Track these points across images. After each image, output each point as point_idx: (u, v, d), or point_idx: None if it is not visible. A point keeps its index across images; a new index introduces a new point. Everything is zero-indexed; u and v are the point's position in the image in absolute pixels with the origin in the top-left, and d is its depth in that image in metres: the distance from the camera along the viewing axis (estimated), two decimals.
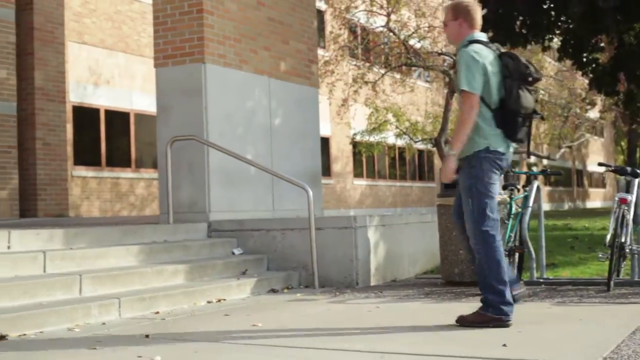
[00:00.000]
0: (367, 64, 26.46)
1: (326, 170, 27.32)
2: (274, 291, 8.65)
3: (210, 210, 10.11)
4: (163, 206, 10.26)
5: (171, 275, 7.98)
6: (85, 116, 18.50)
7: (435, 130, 27.88)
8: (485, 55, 5.93)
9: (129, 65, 19.78)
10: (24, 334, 5.85)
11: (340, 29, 25.57)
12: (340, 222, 9.37)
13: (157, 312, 7.02)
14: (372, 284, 9.31)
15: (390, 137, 29.29)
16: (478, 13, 6.14)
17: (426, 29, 25.58)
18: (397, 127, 28.14)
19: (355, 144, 29.59)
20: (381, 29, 25.43)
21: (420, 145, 31.16)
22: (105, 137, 19.06)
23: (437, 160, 34.04)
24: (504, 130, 5.91)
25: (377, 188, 32.34)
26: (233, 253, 9.54)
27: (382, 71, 25.96)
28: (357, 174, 31.04)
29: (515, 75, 5.90)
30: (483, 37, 6.10)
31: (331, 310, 7.26)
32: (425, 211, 25.47)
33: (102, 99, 19.00)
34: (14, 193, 14.63)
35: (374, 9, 24.87)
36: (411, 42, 25.36)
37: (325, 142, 27.64)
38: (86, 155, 18.47)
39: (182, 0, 10.37)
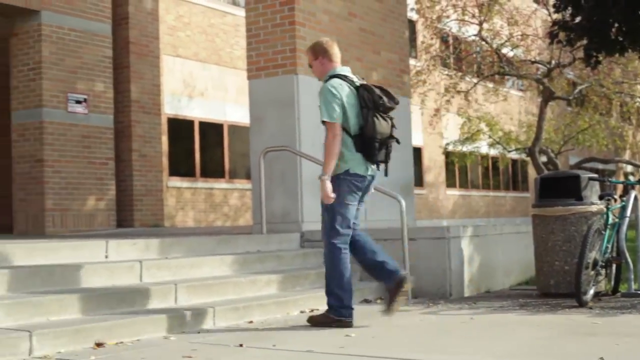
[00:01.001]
0: (459, 74, 26.26)
1: (418, 181, 27.20)
2: (366, 301, 8.63)
3: (303, 221, 10.15)
4: (256, 216, 10.34)
5: (264, 285, 8.03)
6: (179, 128, 18.77)
7: (529, 139, 27.51)
8: (343, 88, 6.65)
9: (222, 77, 20.02)
10: (121, 342, 5.95)
11: (431, 38, 25.45)
12: (433, 232, 9.31)
13: (251, 322, 7.07)
14: (465, 295, 9.23)
15: (483, 146, 29.01)
16: (335, 49, 6.90)
17: (519, 37, 25.30)
18: (490, 137, 27.85)
19: (447, 154, 29.38)
20: (473, 37, 25.22)
21: (513, 155, 30.78)
22: (199, 149, 19.31)
23: (531, 170, 33.57)
24: (363, 154, 6.67)
25: (470, 198, 32.06)
26: None
27: (475, 80, 25.73)
28: (450, 184, 30.81)
29: (370, 105, 6.61)
30: (344, 70, 6.85)
31: (424, 321, 7.21)
32: (519, 221, 25.14)
33: (196, 111, 19.26)
34: (111, 204, 14.93)
35: (466, 18, 24.68)
36: (504, 50, 25.10)
37: (417, 152, 27.53)
38: (181, 166, 18.74)
39: (275, 12, 10.46)
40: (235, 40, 20.27)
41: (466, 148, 28.23)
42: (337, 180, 6.68)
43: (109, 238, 8.39)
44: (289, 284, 8.32)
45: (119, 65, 15.98)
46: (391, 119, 6.84)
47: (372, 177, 6.88)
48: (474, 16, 24.50)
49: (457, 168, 30.94)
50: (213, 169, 19.73)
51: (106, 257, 7.52)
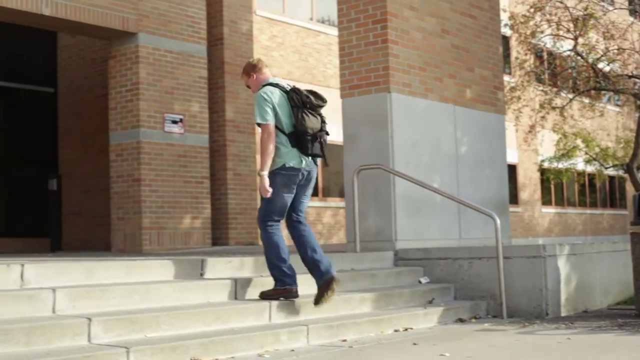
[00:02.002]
0: (555, 89, 25.87)
1: (513, 198, 26.85)
2: (461, 321, 8.55)
3: (397, 239, 10.12)
4: (350, 234, 10.34)
5: (358, 303, 8.02)
6: None
7: (627, 155, 26.94)
8: (274, 93, 7.37)
9: None
10: (216, 359, 6.01)
11: (526, 54, 25.15)
12: (529, 250, 9.18)
13: (345, 340, 7.06)
14: (562, 314, 9.07)
15: (579, 163, 28.52)
16: (262, 63, 7.71)
17: (615, 51, 24.83)
18: (586, 153, 27.37)
19: (543, 171, 28.96)
20: (568, 52, 24.84)
21: (611, 172, 30.18)
22: None
23: (629, 187, 32.86)
24: (298, 148, 7.36)
25: (566, 216, 31.51)
26: (419, 282, 9.50)
27: (570, 96, 25.32)
28: (545, 201, 30.34)
29: (299, 104, 7.35)
30: (276, 79, 7.62)
31: (520, 341, 7.11)
32: (617, 239, 24.64)
33: None
34: (206, 222, 15.11)
35: (561, 32, 24.33)
36: (600, 65, 24.67)
37: (512, 169, 27.20)
38: None
39: (367, 31, 10.48)
40: (328, 59, 20.37)
41: (562, 165, 27.79)
42: (274, 174, 7.32)
43: (205, 256, 8.49)
44: (383, 302, 8.30)
45: (214, 86, 16.21)
46: (321, 115, 7.59)
47: (309, 171, 7.50)
48: (568, 31, 24.13)
49: (552, 185, 30.45)
50: None
51: (202, 274, 7.61)
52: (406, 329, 7.73)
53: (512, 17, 24.12)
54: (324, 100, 7.63)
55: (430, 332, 7.70)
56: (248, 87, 7.80)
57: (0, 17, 13.05)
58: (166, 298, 6.81)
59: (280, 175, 7.33)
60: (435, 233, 10.70)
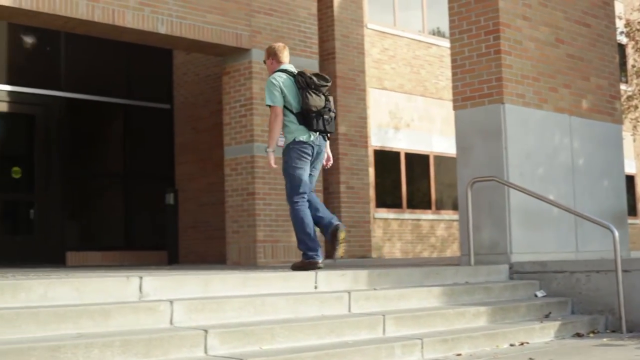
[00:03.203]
0: None
1: (632, 210, 26.19)
2: (578, 335, 8.38)
3: (512, 252, 9.99)
4: (464, 247, 10.26)
5: (473, 317, 7.94)
6: (386, 159, 18.94)
7: None
8: (282, 78, 8.46)
9: (428, 108, 20.06)
10: None
11: None
12: None
13: (460, 354, 7.00)
14: None
15: None
16: (282, 52, 8.75)
17: None
18: None
19: None
20: None
21: None
22: (405, 180, 19.39)
23: None
24: (304, 124, 8.38)
25: None
26: (535, 295, 9.36)
27: None
28: None
29: (304, 85, 8.34)
30: (288, 67, 8.65)
31: None
32: None
33: (402, 143, 19.37)
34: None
35: None
36: None
37: (630, 180, 26.53)
38: (387, 197, 18.87)
39: (480, 42, 10.41)
40: (440, 71, 20.29)
41: None
42: (287, 149, 8.47)
43: (320, 269, 8.54)
44: (498, 316, 8.20)
45: None
46: (325, 94, 8.45)
47: (318, 145, 8.52)
48: None
49: None
50: (419, 200, 19.76)
51: (315, 287, 7.65)
52: (522, 344, 7.62)
53: (627, 24, 23.60)
54: (327, 80, 8.51)
55: (547, 346, 7.56)
56: (264, 62, 8.94)
57: (118, 36, 13.44)
58: (281, 310, 6.87)
59: (294, 149, 8.42)
60: (551, 246, 10.52)
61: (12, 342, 5.19)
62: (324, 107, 8.39)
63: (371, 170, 18.07)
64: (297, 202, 8.42)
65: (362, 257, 16.16)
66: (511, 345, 7.56)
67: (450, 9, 10.78)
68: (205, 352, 5.85)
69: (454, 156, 10.96)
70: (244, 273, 7.66)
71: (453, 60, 10.70)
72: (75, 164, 16.48)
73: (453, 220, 19.70)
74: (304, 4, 15.31)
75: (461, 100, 10.57)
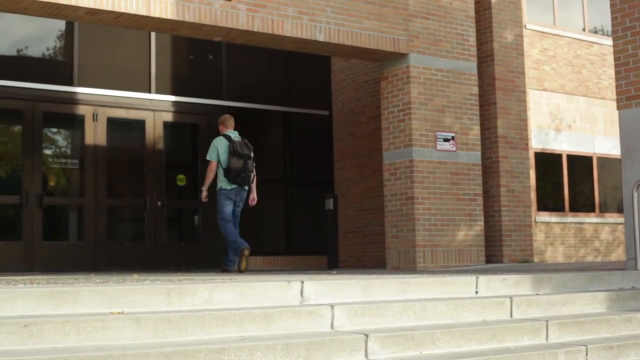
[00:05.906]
0: None
1: None
2: None
3: None
4: (630, 251, 9.96)
5: None
6: (547, 162, 18.57)
7: None
8: (221, 143, 11.71)
9: (590, 108, 19.56)
10: None
11: None
12: None
13: None
14: None
15: None
16: (228, 122, 12.03)
17: None
18: None
19: None
20: None
21: None
22: (567, 182, 18.96)
23: None
24: (227, 178, 11.59)
25: None
26: None
27: None
28: None
29: (231, 151, 11.55)
30: (230, 133, 11.85)
31: None
32: None
33: (564, 144, 18.96)
34: (479, 239, 15.04)
35: None
36: None
37: None
38: (549, 200, 18.50)
39: None
40: (602, 70, 19.75)
41: None
42: (218, 193, 11.76)
43: (479, 274, 8.47)
44: None
45: (485, 102, 16.14)
46: (245, 159, 11.59)
47: (237, 190, 11.71)
48: None
49: None
50: (582, 203, 19.29)
51: (476, 292, 7.59)
52: None
53: None
54: (249, 149, 11.71)
55: None
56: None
57: (278, 45, 13.70)
58: (441, 315, 6.85)
59: (221, 193, 11.69)
60: None
61: (178, 345, 5.38)
62: (242, 168, 11.54)
63: (532, 173, 17.76)
64: (223, 224, 11.65)
65: (524, 261, 15.90)
66: None
67: (612, 5, 10.51)
68: (366, 356, 5.90)
69: (618, 157, 10.67)
70: (403, 278, 7.68)
71: (616, 59, 10.42)
72: None
73: (618, 224, 19.14)
74: (461, 7, 15.21)
75: (625, 99, 10.28)
